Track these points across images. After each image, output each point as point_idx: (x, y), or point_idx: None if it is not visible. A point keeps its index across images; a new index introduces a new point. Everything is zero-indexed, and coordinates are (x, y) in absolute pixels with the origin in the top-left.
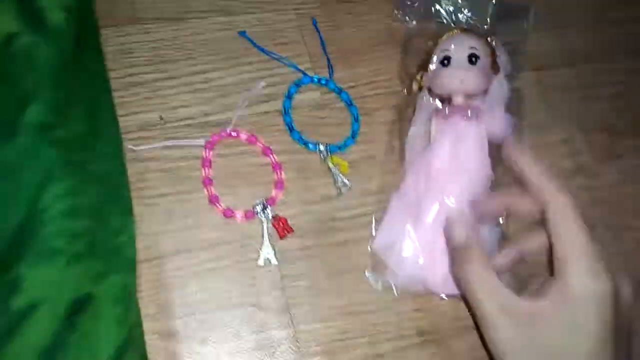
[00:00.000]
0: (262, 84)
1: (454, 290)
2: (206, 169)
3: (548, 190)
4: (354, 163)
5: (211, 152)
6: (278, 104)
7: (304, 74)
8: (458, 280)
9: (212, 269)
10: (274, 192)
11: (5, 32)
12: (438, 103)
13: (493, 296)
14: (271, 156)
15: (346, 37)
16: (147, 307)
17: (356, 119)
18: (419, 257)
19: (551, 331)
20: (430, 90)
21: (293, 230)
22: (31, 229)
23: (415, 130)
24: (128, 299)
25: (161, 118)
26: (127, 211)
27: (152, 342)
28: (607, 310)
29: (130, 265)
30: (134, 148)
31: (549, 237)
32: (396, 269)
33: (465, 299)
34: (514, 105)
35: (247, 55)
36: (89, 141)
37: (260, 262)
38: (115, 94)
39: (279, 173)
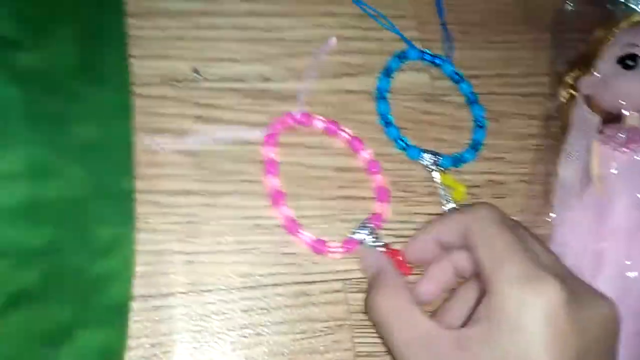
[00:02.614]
0: (334, 40)
1: None
2: (271, 177)
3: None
4: (474, 189)
5: (276, 151)
6: (370, 82)
7: (411, 45)
8: (370, 315)
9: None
10: (378, 207)
11: None
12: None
13: (410, 328)
14: (363, 153)
15: (471, 4)
16: None
17: (480, 124)
18: None
19: None
20: (590, 102)
21: (412, 271)
22: None
23: (570, 161)
24: None
25: (196, 72)
26: (126, 217)
27: None
28: (560, 324)
29: (117, 312)
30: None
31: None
32: None
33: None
34: None
35: (332, 2)
36: (76, 83)
37: None
38: (130, 22)
39: (377, 177)
